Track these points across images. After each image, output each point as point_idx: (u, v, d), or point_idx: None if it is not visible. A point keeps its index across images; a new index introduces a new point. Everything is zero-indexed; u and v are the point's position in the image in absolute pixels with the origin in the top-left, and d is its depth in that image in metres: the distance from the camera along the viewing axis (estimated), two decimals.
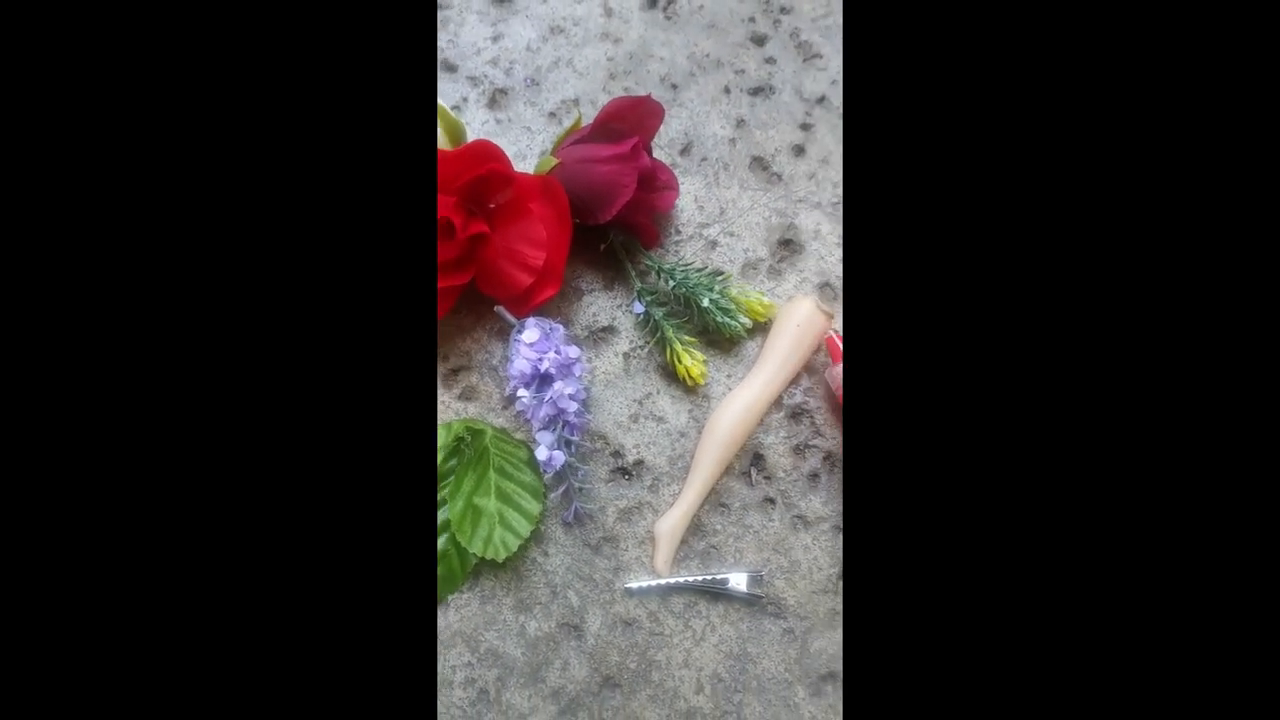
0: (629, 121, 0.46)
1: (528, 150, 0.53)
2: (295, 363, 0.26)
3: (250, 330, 0.26)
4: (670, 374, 0.48)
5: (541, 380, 0.44)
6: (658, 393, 0.48)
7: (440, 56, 0.55)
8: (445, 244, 0.43)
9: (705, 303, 0.45)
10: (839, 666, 0.43)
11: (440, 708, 0.43)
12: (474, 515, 0.44)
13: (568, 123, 0.53)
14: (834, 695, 0.43)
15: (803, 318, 0.45)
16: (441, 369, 0.48)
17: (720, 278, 0.47)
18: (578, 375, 0.45)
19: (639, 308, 0.47)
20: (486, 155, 0.43)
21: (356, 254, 0.27)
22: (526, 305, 0.46)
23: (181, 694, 0.24)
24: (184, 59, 0.26)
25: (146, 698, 0.24)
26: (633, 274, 0.48)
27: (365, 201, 0.27)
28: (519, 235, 0.44)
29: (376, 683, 0.26)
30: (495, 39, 0.55)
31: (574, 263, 0.50)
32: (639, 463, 0.47)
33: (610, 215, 0.44)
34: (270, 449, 0.26)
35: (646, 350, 0.49)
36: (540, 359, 0.43)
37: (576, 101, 0.54)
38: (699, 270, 0.47)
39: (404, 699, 0.26)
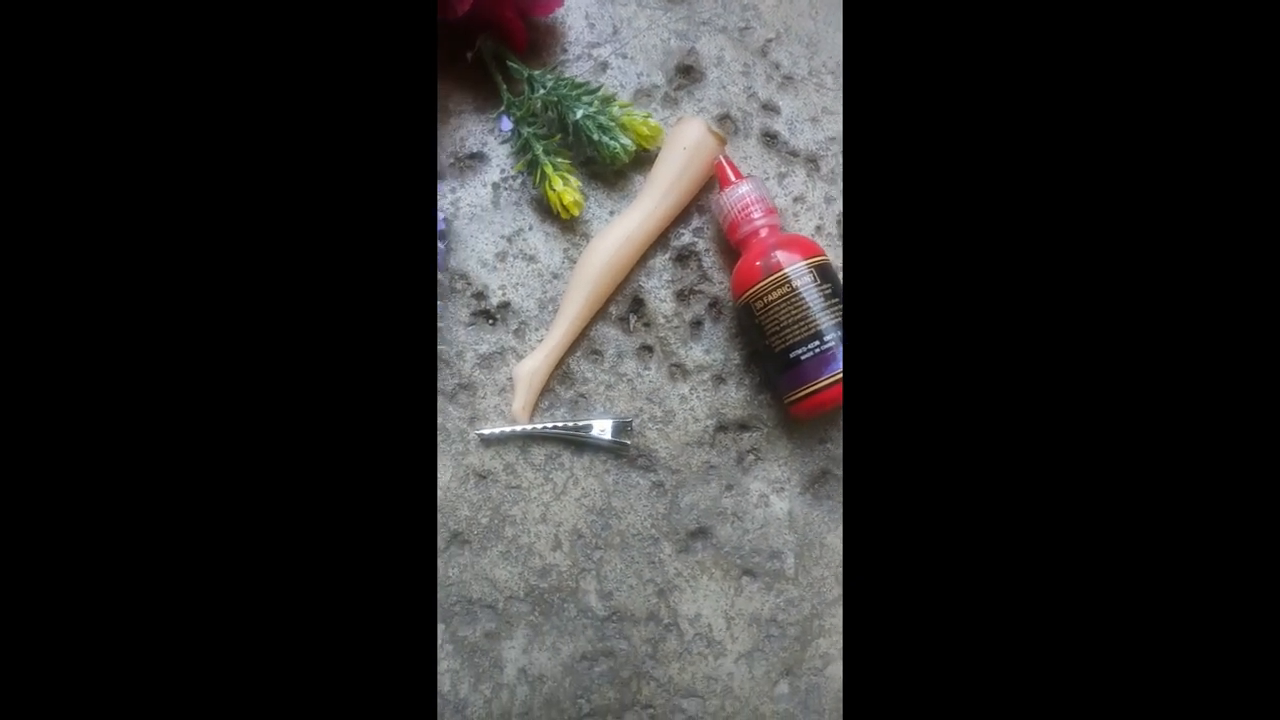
0: None
1: None
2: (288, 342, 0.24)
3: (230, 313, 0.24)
4: (545, 209, 0.42)
5: None
6: (530, 229, 0.42)
7: None
8: None
9: (579, 115, 0.39)
10: (711, 522, 0.40)
11: None
12: None
13: None
14: (703, 552, 0.40)
15: (692, 141, 0.40)
16: None
17: (598, 94, 0.41)
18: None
19: (506, 124, 0.41)
20: None
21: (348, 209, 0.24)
22: None
23: (170, 684, 0.23)
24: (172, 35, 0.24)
25: (135, 681, 0.23)
26: (501, 85, 0.42)
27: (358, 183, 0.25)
28: None
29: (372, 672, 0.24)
30: None
31: (441, 80, 0.43)
32: (504, 305, 0.42)
33: (466, 4, 0.37)
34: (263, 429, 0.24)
35: (519, 180, 0.43)
36: None
37: None
38: (579, 85, 0.41)
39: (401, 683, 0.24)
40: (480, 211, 0.42)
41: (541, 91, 0.40)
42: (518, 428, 0.39)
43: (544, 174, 0.40)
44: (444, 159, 0.43)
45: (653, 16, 0.46)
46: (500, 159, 0.43)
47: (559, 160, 0.40)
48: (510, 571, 0.39)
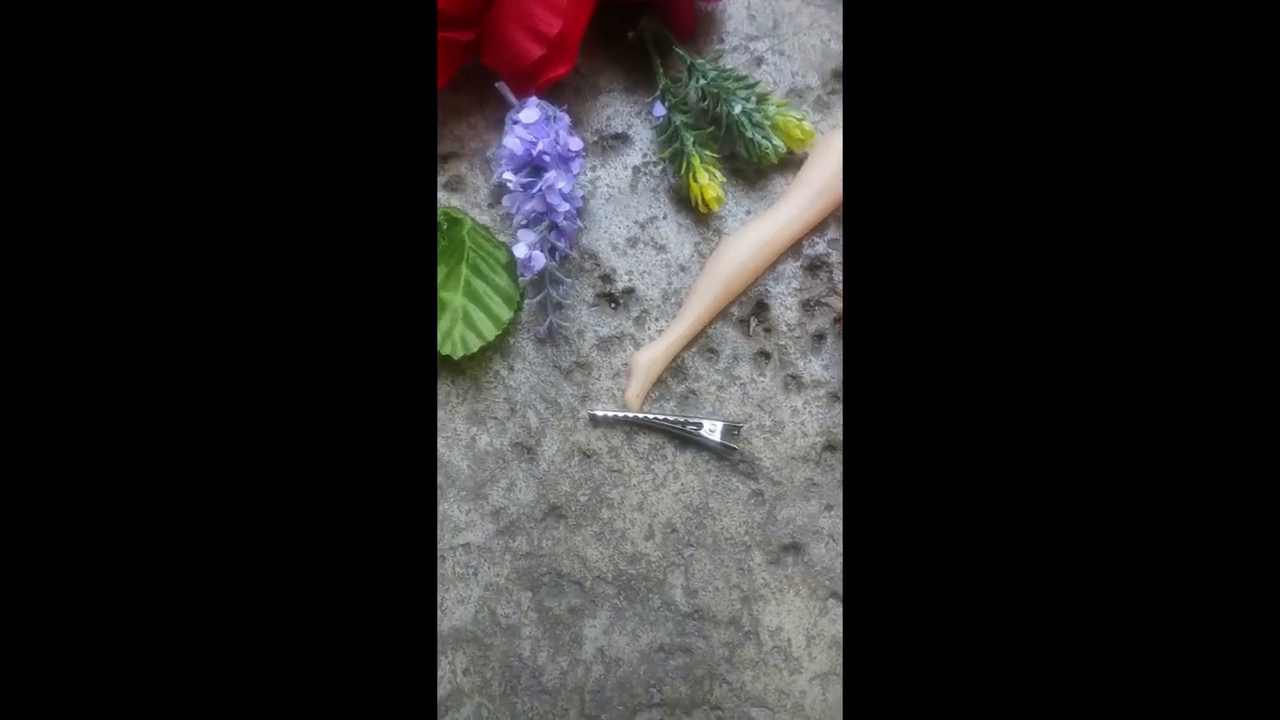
0: None
1: None
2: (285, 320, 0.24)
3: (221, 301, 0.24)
4: (682, 199, 0.42)
5: (533, 169, 0.38)
6: (664, 218, 0.42)
7: None
8: None
9: (737, 110, 0.39)
10: (806, 539, 0.39)
11: None
12: (437, 308, 0.39)
13: None
14: (793, 567, 0.39)
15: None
16: None
17: (755, 89, 0.40)
18: (575, 172, 0.39)
19: (660, 110, 0.41)
20: None
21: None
22: (532, 83, 0.39)
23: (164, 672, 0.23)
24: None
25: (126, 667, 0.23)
26: (659, 70, 0.41)
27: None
28: None
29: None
30: None
31: (595, 57, 0.43)
32: (629, 291, 0.42)
33: None
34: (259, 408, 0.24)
35: (660, 167, 0.42)
36: (535, 143, 0.37)
37: None
38: (740, 78, 0.40)
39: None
40: (617, 194, 0.42)
41: (702, 81, 0.39)
42: (629, 414, 0.39)
43: (690, 165, 0.40)
44: (589, 136, 0.43)
45: (815, 15, 0.44)
46: (643, 143, 0.43)
47: (706, 153, 0.40)
48: (601, 553, 0.40)
